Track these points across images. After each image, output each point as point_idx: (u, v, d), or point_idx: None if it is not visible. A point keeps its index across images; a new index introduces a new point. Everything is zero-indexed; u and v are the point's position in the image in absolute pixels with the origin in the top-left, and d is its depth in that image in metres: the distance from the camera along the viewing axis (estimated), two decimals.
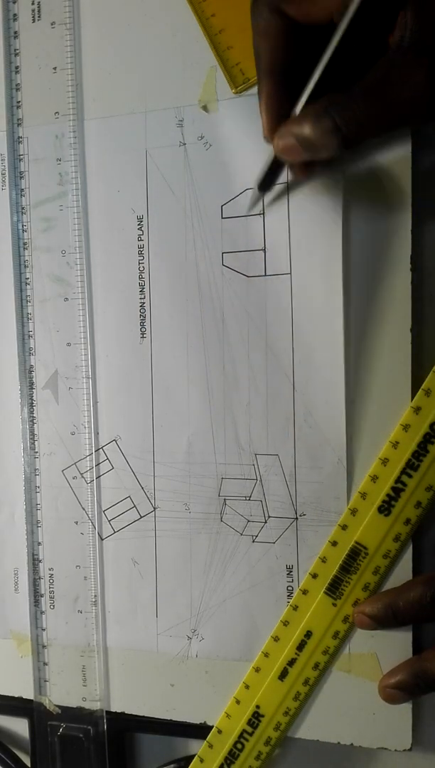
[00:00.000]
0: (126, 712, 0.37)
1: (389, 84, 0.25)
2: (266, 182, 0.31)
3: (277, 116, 0.29)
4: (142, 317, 0.35)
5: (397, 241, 0.31)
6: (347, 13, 0.25)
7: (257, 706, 0.34)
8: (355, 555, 0.32)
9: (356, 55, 0.26)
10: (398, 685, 0.31)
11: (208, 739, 0.34)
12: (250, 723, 0.34)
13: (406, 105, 0.25)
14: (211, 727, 0.35)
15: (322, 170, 0.31)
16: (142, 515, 0.36)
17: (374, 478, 0.32)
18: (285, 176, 0.32)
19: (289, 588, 0.34)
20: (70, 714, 0.37)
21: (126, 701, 0.37)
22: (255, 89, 0.33)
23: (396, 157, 0.31)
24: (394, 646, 0.33)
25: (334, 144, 0.27)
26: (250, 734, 0.34)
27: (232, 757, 0.34)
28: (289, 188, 0.32)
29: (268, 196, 0.32)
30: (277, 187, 0.32)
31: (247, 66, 0.33)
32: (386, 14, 0.25)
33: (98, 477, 0.37)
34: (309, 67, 0.27)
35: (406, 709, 0.33)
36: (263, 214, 0.33)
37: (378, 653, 0.33)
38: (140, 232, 0.35)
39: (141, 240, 0.35)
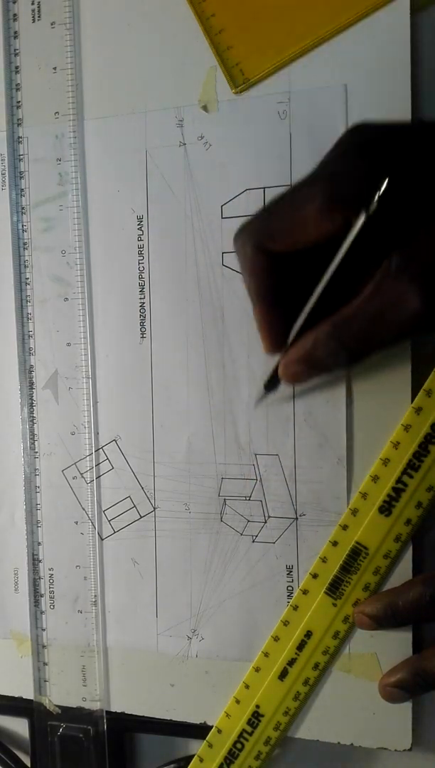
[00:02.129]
0: (126, 712, 0.37)
1: (387, 308, 0.26)
2: (272, 384, 0.32)
3: (275, 339, 0.30)
4: (142, 317, 0.35)
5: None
6: (339, 253, 0.26)
7: (257, 706, 0.34)
8: (355, 555, 0.32)
9: (349, 275, 0.27)
10: (398, 684, 0.31)
11: (207, 738, 0.34)
12: (249, 723, 0.34)
13: (405, 325, 0.26)
14: (211, 727, 0.35)
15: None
16: (142, 515, 0.36)
17: (375, 478, 0.32)
18: None
19: (289, 588, 0.34)
20: (70, 714, 0.37)
21: (126, 701, 0.37)
22: (255, 90, 0.33)
23: None
24: (394, 646, 0.33)
25: (341, 364, 0.28)
26: (250, 734, 0.34)
27: (231, 756, 0.34)
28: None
29: (274, 394, 0.33)
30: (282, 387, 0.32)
31: (247, 66, 0.33)
32: (378, 245, 0.25)
33: (98, 477, 0.37)
34: (298, 288, 0.28)
35: (406, 709, 0.33)
36: None
37: (378, 653, 0.33)
38: (140, 232, 0.35)
39: (141, 240, 0.35)
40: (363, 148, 0.25)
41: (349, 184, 0.25)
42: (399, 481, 0.32)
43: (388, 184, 0.24)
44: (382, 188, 0.24)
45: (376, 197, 0.24)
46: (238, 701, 0.34)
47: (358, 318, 0.26)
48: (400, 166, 0.24)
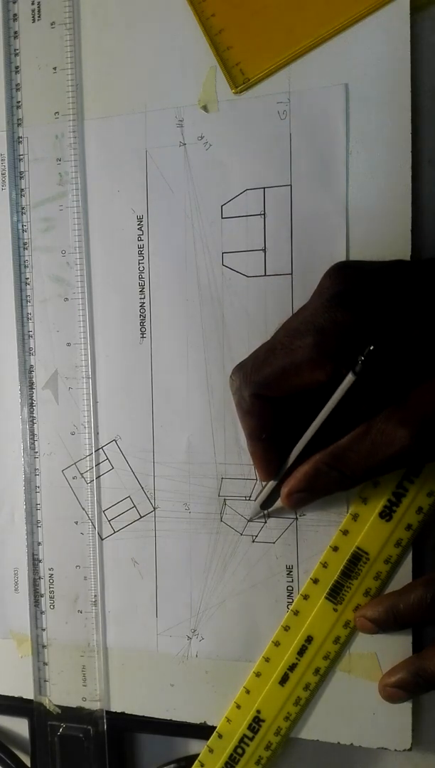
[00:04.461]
0: (126, 712, 0.37)
1: (379, 444, 0.27)
2: (268, 503, 0.33)
3: (269, 470, 0.32)
4: (142, 317, 0.35)
5: (397, 241, 0.31)
6: (332, 401, 0.28)
7: (258, 711, 0.33)
8: (356, 560, 0.32)
9: (342, 415, 0.28)
10: (398, 684, 0.31)
11: (208, 743, 0.34)
12: (250, 728, 0.34)
13: (398, 459, 0.28)
14: (211, 727, 0.35)
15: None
16: (142, 515, 0.36)
17: (376, 483, 0.32)
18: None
19: (289, 588, 0.34)
20: (70, 714, 0.37)
21: (126, 701, 0.37)
22: (255, 90, 0.33)
23: (396, 157, 0.31)
24: (394, 646, 0.33)
25: (342, 489, 0.30)
26: (251, 739, 0.34)
27: (232, 761, 0.34)
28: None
29: (269, 510, 0.34)
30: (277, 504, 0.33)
31: (247, 66, 0.33)
32: (368, 396, 0.27)
33: (98, 477, 0.37)
34: (293, 424, 0.30)
35: (406, 709, 0.33)
36: (264, 214, 0.33)
37: (378, 653, 0.33)
38: (140, 232, 0.35)
39: (141, 240, 0.35)
40: (346, 300, 0.26)
41: (336, 340, 0.26)
42: (399, 486, 0.31)
43: (372, 348, 0.25)
44: (366, 352, 0.25)
45: (360, 360, 0.25)
46: (238, 706, 0.34)
47: (353, 450, 0.28)
48: (383, 321, 0.26)
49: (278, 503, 0.33)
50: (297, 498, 0.31)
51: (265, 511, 0.34)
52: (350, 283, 0.27)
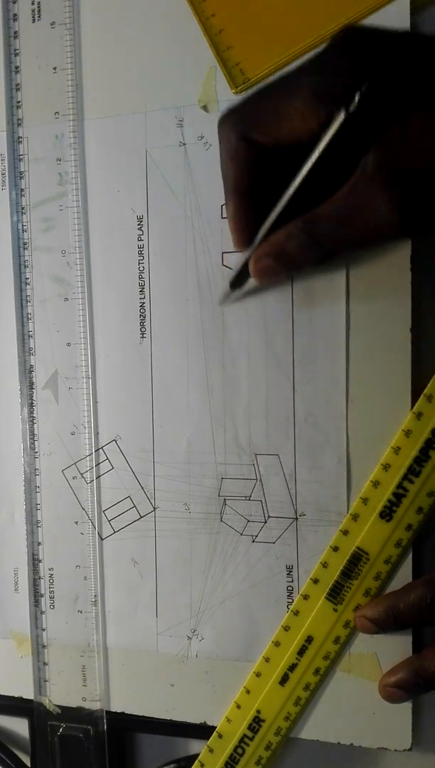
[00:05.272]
0: (126, 712, 0.37)
1: (358, 209, 0.26)
2: (238, 281, 0.32)
3: (245, 233, 0.30)
4: (142, 317, 0.35)
5: (397, 242, 0.31)
6: (319, 146, 0.26)
7: (258, 711, 0.33)
8: (356, 560, 0.32)
9: (325, 174, 0.27)
10: (398, 684, 0.31)
11: (208, 743, 0.34)
12: (250, 728, 0.34)
13: (376, 228, 0.26)
14: (211, 727, 0.35)
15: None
16: (142, 515, 0.36)
17: (376, 484, 0.32)
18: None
19: (289, 588, 0.34)
20: (70, 714, 0.37)
21: (126, 701, 0.37)
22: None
23: None
24: (394, 646, 0.33)
25: (311, 260, 0.28)
26: (251, 739, 0.34)
27: (232, 762, 0.34)
28: None
29: (240, 292, 0.33)
30: (249, 284, 0.32)
31: (247, 66, 0.33)
32: (356, 144, 0.26)
33: (98, 477, 0.37)
34: (274, 185, 0.28)
35: (406, 709, 0.33)
36: None
37: (378, 653, 0.33)
38: (140, 232, 0.35)
39: (141, 240, 0.35)
40: (351, 47, 0.25)
41: (334, 79, 0.25)
42: (400, 486, 0.31)
43: (369, 83, 0.24)
44: (364, 87, 0.24)
45: (357, 96, 0.24)
46: (238, 706, 0.34)
47: (330, 216, 0.27)
48: (383, 67, 0.24)
49: (251, 284, 0.32)
50: (264, 265, 0.29)
51: (235, 291, 0.32)
52: (357, 36, 0.26)
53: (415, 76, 0.25)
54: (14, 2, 0.36)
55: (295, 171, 0.27)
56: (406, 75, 0.25)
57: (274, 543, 0.34)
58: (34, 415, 0.37)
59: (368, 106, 0.24)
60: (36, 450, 0.37)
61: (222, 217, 0.34)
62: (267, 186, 0.29)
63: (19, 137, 0.36)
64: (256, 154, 0.28)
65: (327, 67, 0.26)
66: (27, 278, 0.37)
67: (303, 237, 0.27)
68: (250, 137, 0.28)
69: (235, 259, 0.34)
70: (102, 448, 0.36)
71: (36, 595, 0.38)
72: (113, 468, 0.36)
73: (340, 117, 0.25)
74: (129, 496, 0.36)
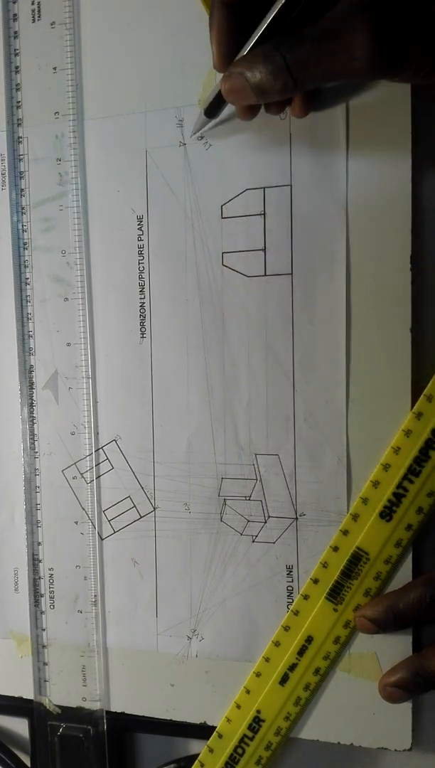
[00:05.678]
0: (126, 712, 0.37)
1: (335, 36, 0.26)
2: (213, 108, 0.31)
3: (227, 50, 0.29)
4: (142, 317, 0.35)
5: (397, 241, 0.31)
6: None
7: (258, 711, 0.33)
8: (356, 560, 0.32)
9: (309, 3, 0.26)
10: (398, 683, 0.31)
11: (208, 743, 0.34)
12: (250, 728, 0.34)
13: (350, 60, 0.26)
14: (211, 727, 0.35)
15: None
16: (142, 515, 0.36)
17: (376, 484, 0.32)
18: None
19: (289, 588, 0.34)
20: (70, 714, 0.37)
21: (126, 701, 0.37)
22: None
23: (396, 157, 0.31)
24: (393, 646, 0.33)
25: (281, 84, 0.27)
26: (251, 739, 0.34)
27: (232, 761, 0.34)
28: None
29: (214, 122, 0.32)
30: (224, 113, 0.32)
31: None
32: None
33: (98, 477, 0.37)
34: (260, 5, 0.27)
35: (406, 709, 0.33)
36: (264, 214, 0.33)
37: (378, 653, 0.33)
38: (140, 232, 0.35)
39: (141, 240, 0.35)
40: None
41: None
42: (400, 486, 0.31)
43: None
44: None
45: None
46: (238, 706, 0.34)
47: (307, 41, 0.26)
48: None
49: (225, 113, 0.31)
50: (235, 83, 0.28)
51: (210, 120, 0.31)
52: None
53: None
54: (14, 2, 0.36)
55: None
56: None
57: (274, 543, 0.34)
58: (34, 415, 0.37)
59: None
60: (36, 450, 0.37)
61: (222, 217, 0.34)
62: (251, 3, 0.28)
63: (19, 137, 0.36)
64: None
65: None
66: (27, 278, 0.37)
67: (277, 58, 0.27)
68: None
69: (234, 260, 0.34)
70: (102, 448, 0.36)
71: (36, 595, 0.38)
72: (113, 468, 0.36)
73: None
74: (129, 496, 0.36)
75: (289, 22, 0.27)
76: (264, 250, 0.33)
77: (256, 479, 0.34)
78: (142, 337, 0.35)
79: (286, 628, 0.33)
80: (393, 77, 0.27)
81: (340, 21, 0.26)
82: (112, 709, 0.37)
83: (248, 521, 0.34)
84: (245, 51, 0.28)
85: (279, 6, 0.27)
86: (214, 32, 0.29)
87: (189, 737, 0.36)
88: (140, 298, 0.35)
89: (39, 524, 0.37)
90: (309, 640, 0.33)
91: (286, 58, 0.26)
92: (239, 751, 0.34)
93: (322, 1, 0.26)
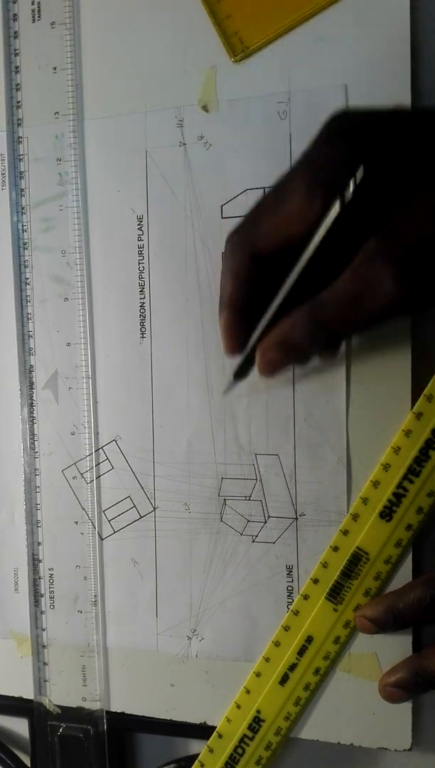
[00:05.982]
0: (126, 712, 0.37)
1: (364, 290, 0.26)
2: (242, 372, 0.31)
3: (237, 341, 0.30)
4: (142, 317, 0.35)
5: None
6: (315, 238, 0.26)
7: (258, 711, 0.33)
8: (356, 560, 0.32)
9: (325, 262, 0.26)
10: (398, 683, 0.31)
11: (208, 743, 0.34)
12: (250, 728, 0.34)
13: (381, 307, 0.26)
14: (211, 727, 0.35)
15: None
16: (142, 515, 0.36)
17: (376, 484, 0.32)
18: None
19: (289, 588, 0.34)
20: (70, 714, 0.37)
21: (126, 701, 0.37)
22: (255, 90, 0.33)
23: None
24: (394, 646, 0.33)
25: (318, 346, 0.28)
26: (251, 739, 0.34)
27: (232, 761, 0.34)
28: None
29: (244, 382, 0.32)
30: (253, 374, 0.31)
31: (246, 35, 0.32)
32: (356, 229, 0.25)
33: (98, 477, 0.37)
34: (268, 291, 0.28)
35: (406, 709, 0.33)
36: None
37: (378, 653, 0.33)
38: (140, 232, 0.35)
39: (141, 240, 0.35)
40: (341, 134, 0.25)
41: (327, 169, 0.25)
42: (400, 486, 0.31)
43: (363, 171, 0.24)
44: (358, 175, 0.24)
45: (352, 185, 0.24)
46: (238, 706, 0.34)
47: (335, 300, 0.26)
48: (376, 152, 0.24)
49: (254, 376, 0.31)
50: (271, 357, 0.29)
51: (238, 382, 0.31)
52: (348, 121, 0.26)
53: (415, 155, 0.24)
54: (14, 2, 0.36)
55: (290, 269, 0.27)
56: (405, 155, 0.24)
57: (274, 543, 0.34)
58: (34, 415, 0.37)
59: (366, 193, 0.24)
60: (36, 450, 0.37)
61: (222, 217, 0.34)
62: (261, 295, 0.28)
63: (19, 137, 0.36)
64: (254, 266, 0.28)
65: (319, 158, 0.25)
66: (27, 278, 0.37)
67: (310, 324, 0.27)
68: (256, 252, 0.28)
69: None
70: (102, 448, 0.36)
71: (36, 595, 0.38)
72: (113, 468, 0.36)
73: (336, 207, 0.25)
74: (129, 496, 0.36)
75: (308, 285, 0.27)
76: None
77: (256, 479, 0.34)
78: (142, 337, 0.35)
79: (286, 628, 0.33)
80: (427, 310, 0.27)
81: (364, 275, 0.25)
82: (112, 709, 0.37)
83: (248, 521, 0.34)
84: (264, 324, 0.28)
85: (295, 279, 0.27)
86: (224, 327, 0.30)
87: (189, 737, 0.36)
88: (140, 298, 0.35)
89: (39, 524, 0.37)
90: (309, 640, 0.33)
91: (318, 321, 0.27)
92: (239, 751, 0.34)
93: (337, 256, 0.26)
